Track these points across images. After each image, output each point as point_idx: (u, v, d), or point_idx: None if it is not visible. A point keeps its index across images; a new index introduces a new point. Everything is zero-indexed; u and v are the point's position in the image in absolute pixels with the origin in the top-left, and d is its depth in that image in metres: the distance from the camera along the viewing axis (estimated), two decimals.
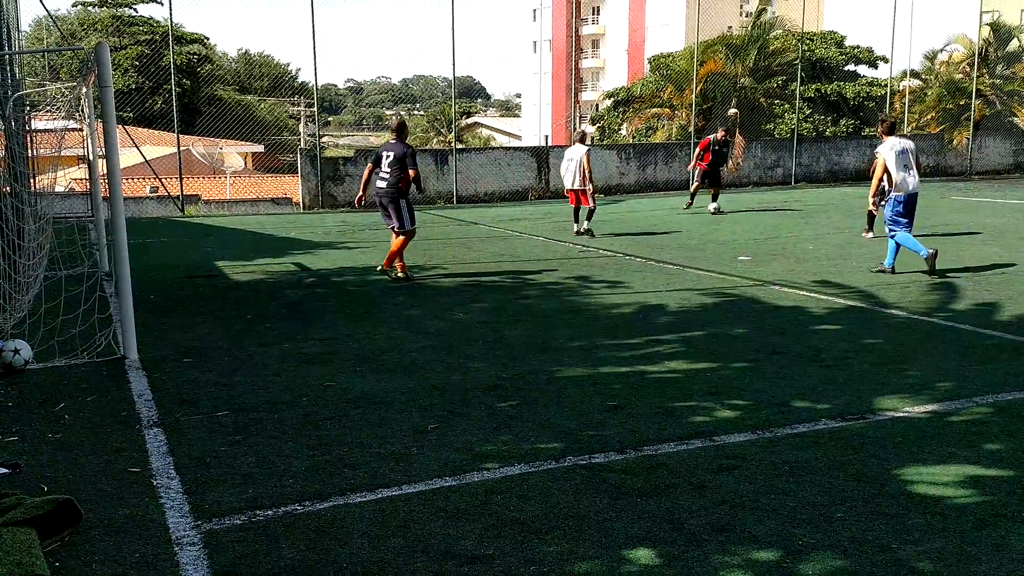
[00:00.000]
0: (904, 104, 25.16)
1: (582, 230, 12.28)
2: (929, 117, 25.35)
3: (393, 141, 8.83)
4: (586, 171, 12.12)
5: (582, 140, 12.81)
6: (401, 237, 8.73)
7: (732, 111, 20.80)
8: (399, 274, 8.78)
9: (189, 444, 4.14)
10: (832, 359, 5.60)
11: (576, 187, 12.23)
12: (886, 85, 26.69)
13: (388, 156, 8.70)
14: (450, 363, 5.60)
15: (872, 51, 35.07)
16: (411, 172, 8.55)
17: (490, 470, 3.78)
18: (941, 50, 27.00)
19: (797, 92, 23.58)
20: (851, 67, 35.33)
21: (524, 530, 3.21)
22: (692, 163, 16.25)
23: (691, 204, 15.62)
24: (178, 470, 3.82)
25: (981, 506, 3.39)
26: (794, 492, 3.53)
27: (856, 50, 35.08)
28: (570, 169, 12.24)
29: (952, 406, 4.61)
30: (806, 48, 28.87)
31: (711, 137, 15.40)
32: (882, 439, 4.14)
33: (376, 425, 4.38)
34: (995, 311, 7.02)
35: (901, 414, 4.49)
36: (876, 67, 35.12)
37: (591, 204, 12.24)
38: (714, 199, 15.19)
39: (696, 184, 15.70)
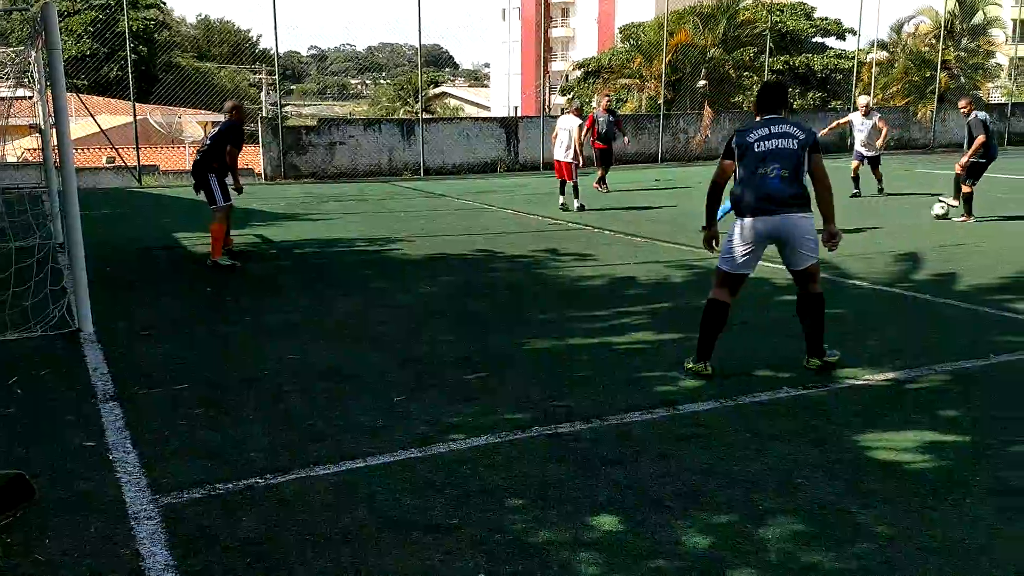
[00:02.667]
0: (872, 76, 25.37)
1: (576, 207, 11.80)
2: (895, 89, 25.59)
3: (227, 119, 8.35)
4: (577, 145, 11.76)
5: (578, 112, 12.26)
6: (218, 215, 7.99)
7: (701, 83, 20.80)
8: (225, 260, 7.98)
9: (147, 418, 4.05)
10: (795, 329, 5.63)
11: (566, 159, 11.83)
12: (854, 57, 26.87)
13: (213, 130, 8.65)
14: (417, 336, 5.55)
15: (840, 23, 35.22)
16: (231, 150, 7.93)
17: (456, 441, 3.76)
18: (907, 21, 27.21)
19: (766, 64, 23.62)
20: (819, 39, 35.49)
21: (490, 499, 3.20)
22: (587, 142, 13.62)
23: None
24: (135, 444, 3.73)
25: (938, 471, 3.46)
26: (756, 459, 3.56)
27: (825, 22, 35.21)
28: (563, 140, 11.85)
29: (911, 374, 4.69)
30: (776, 19, 28.90)
31: (594, 113, 14.36)
32: (842, 406, 4.20)
33: (341, 398, 4.32)
34: (955, 282, 7.15)
35: (861, 382, 4.56)
36: (844, 39, 35.31)
37: (573, 179, 11.86)
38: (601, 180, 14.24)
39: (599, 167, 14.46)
